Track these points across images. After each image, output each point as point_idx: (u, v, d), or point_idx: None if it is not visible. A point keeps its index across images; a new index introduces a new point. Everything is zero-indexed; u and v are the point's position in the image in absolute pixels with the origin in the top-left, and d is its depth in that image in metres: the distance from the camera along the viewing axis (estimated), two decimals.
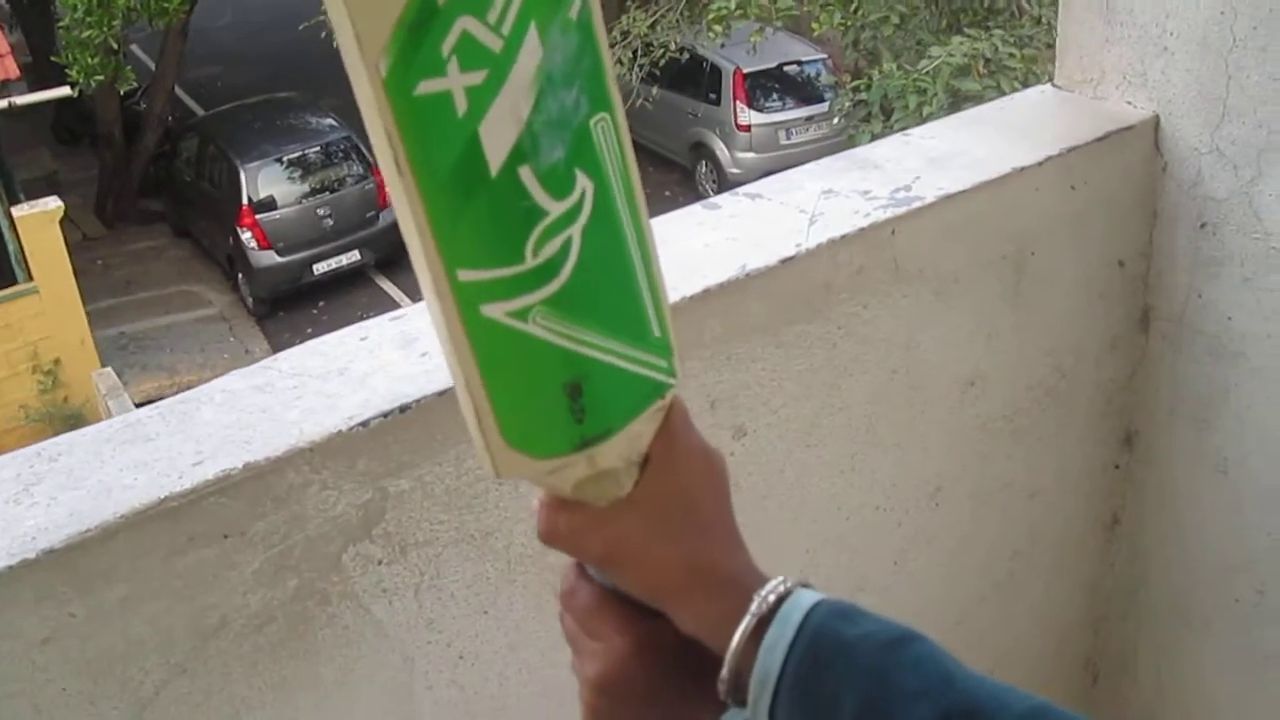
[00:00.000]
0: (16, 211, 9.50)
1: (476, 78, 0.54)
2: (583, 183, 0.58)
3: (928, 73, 5.62)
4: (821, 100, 11.25)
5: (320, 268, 11.50)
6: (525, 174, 0.56)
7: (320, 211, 11.51)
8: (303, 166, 11.66)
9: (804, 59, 11.80)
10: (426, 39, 0.52)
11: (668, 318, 0.65)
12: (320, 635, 1.10)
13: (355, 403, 1.09)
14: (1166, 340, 1.65)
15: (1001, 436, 1.61)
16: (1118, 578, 1.85)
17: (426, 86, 0.53)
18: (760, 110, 11.55)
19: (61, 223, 9.61)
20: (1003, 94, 6.08)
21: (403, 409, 1.08)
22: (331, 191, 11.65)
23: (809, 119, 11.53)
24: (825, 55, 11.62)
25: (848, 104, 7.25)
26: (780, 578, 0.63)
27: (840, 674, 0.58)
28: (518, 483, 1.15)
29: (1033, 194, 1.47)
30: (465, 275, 0.56)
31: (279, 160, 11.55)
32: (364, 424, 1.06)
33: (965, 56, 5.68)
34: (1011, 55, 5.87)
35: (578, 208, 0.58)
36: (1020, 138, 1.52)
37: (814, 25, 7.46)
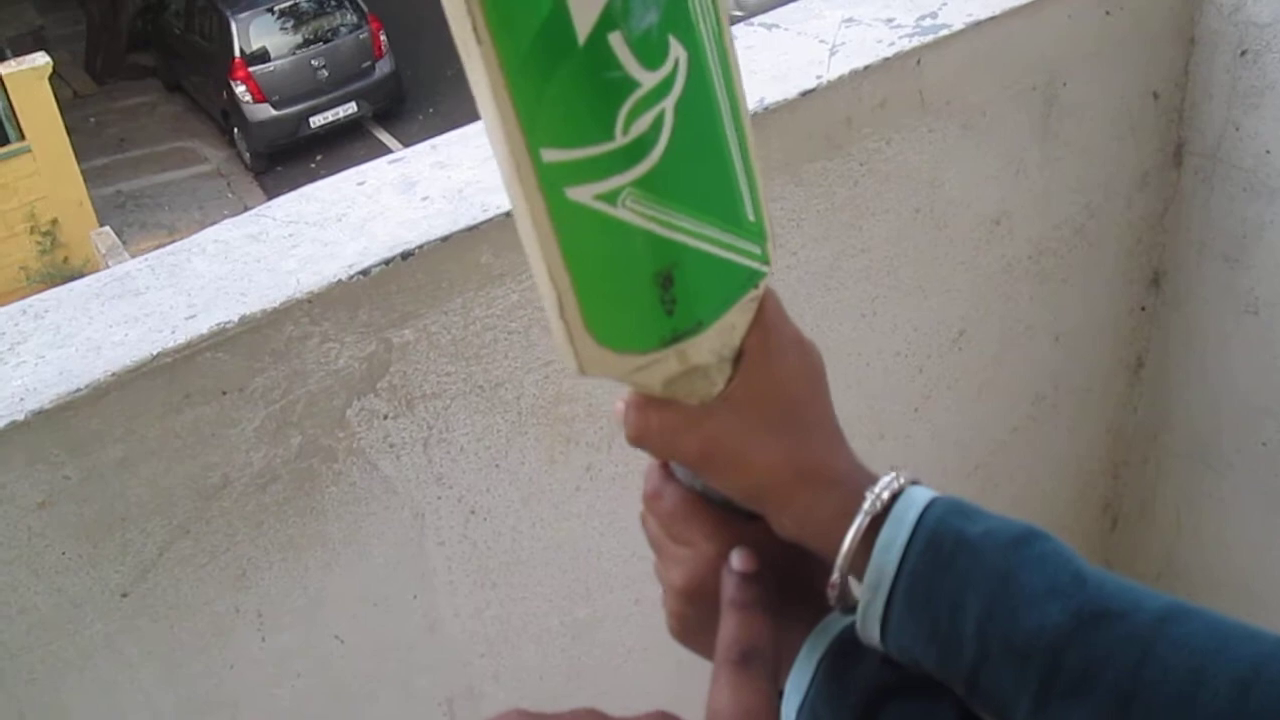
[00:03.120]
0: (4, 69, 9.28)
1: None
2: (676, 51, 0.51)
3: None
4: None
5: (317, 120, 11.29)
6: (615, 41, 0.49)
7: (315, 63, 11.25)
8: (295, 16, 11.35)
9: None
10: None
11: (763, 201, 0.59)
12: (327, 493, 1.07)
13: (354, 250, 1.03)
14: (1199, 176, 1.57)
15: (1027, 278, 1.55)
16: (1140, 421, 1.82)
17: None
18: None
19: (50, 79, 9.39)
20: None
21: (405, 255, 1.02)
22: (325, 42, 11.37)
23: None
24: None
25: None
26: (892, 474, 0.58)
27: (962, 573, 0.54)
28: (528, 329, 1.11)
29: (1065, 20, 1.38)
30: (550, 155, 0.50)
31: (270, 10, 11.24)
32: (364, 272, 1.01)
33: None
34: None
35: (671, 79, 0.52)
36: None
37: None
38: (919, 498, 0.57)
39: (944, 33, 1.29)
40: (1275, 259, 1.53)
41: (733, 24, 0.58)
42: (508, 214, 1.04)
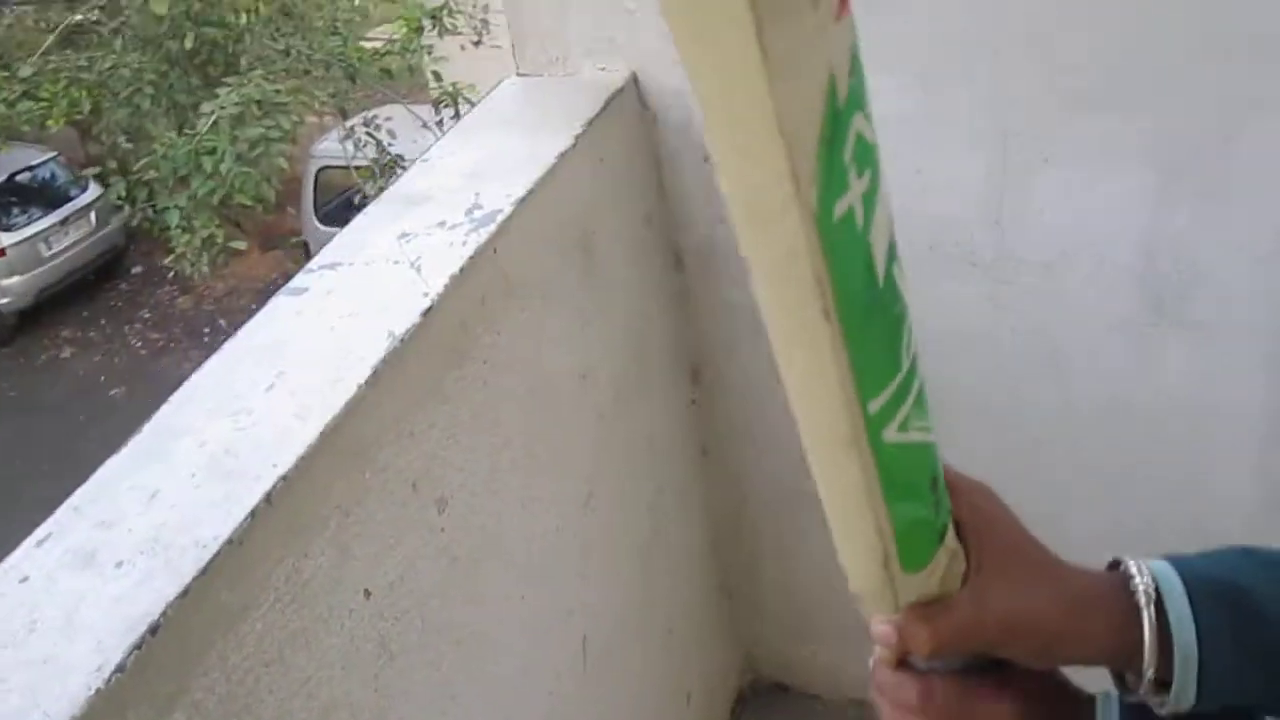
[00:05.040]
0: None
1: (865, 182, 0.46)
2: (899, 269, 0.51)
3: (209, 131, 5.42)
4: (68, 200, 10.44)
5: None
6: (896, 273, 0.49)
7: None
8: None
9: (34, 163, 10.82)
10: (835, 149, 0.43)
11: None
12: None
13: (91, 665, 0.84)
14: (703, 274, 1.75)
15: (617, 419, 1.62)
16: (723, 499, 1.96)
17: (840, 206, 0.44)
18: (9, 229, 10.45)
19: None
20: (284, 131, 6.05)
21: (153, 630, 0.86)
22: None
23: (63, 222, 10.62)
24: (55, 153, 10.75)
25: (119, 192, 6.79)
26: (1125, 561, 0.63)
27: (1237, 600, 0.60)
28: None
29: (577, 176, 1.48)
30: (874, 405, 0.49)
31: None
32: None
33: (237, 105, 5.55)
34: (278, 92, 5.85)
35: (906, 302, 0.52)
36: (536, 128, 1.52)
37: (50, 122, 6.84)
38: (1164, 569, 0.62)
39: (500, 217, 1.33)
40: None
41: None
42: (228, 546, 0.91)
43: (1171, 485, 1.69)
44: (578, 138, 1.47)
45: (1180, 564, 0.63)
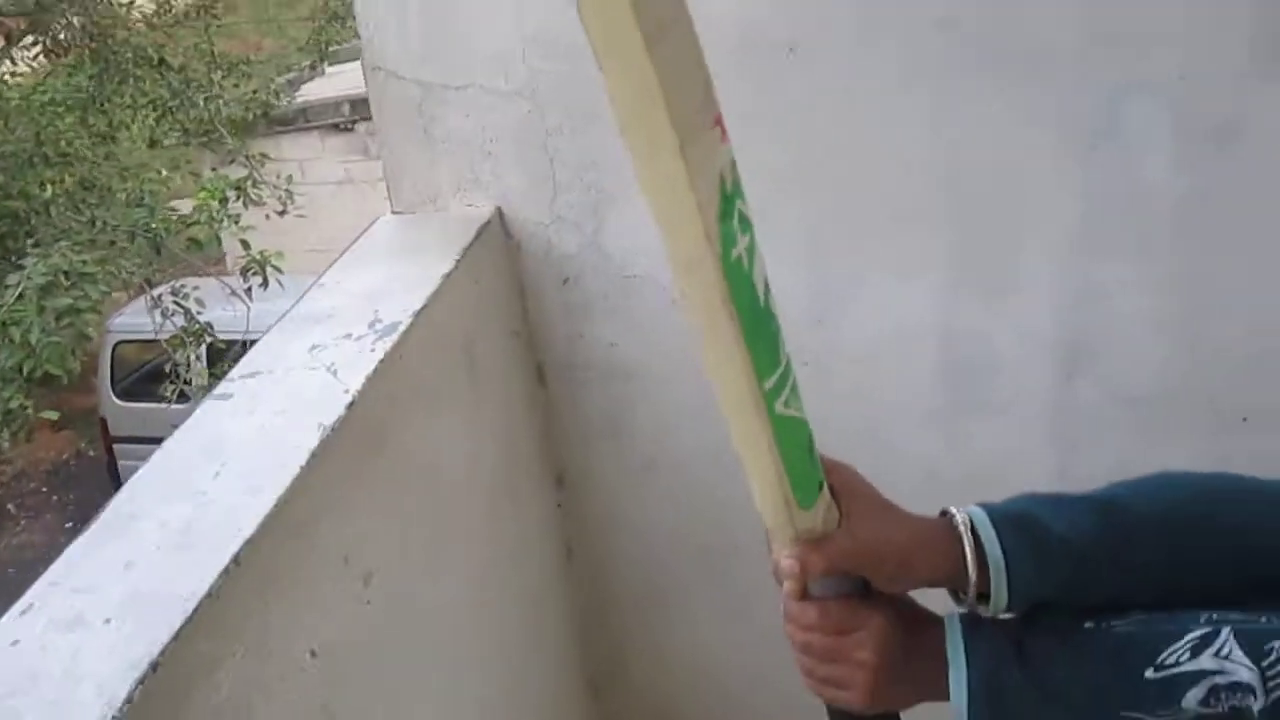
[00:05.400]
0: None
1: (747, 240, 0.72)
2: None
3: (16, 302, 5.38)
4: None
5: None
6: (770, 302, 0.75)
7: None
8: None
9: None
10: (727, 219, 0.70)
11: None
12: None
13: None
14: (565, 383, 1.95)
15: (495, 519, 1.79)
16: (588, 598, 2.12)
17: (734, 253, 0.71)
18: None
19: None
20: (92, 300, 6.02)
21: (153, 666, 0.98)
22: None
23: None
24: None
25: None
26: (949, 509, 0.86)
27: (1029, 524, 0.84)
28: None
29: (458, 294, 1.67)
30: (767, 383, 0.75)
31: None
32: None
33: (44, 275, 5.54)
34: (84, 263, 5.85)
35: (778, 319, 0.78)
36: (418, 254, 1.71)
37: None
38: (975, 510, 0.85)
39: (402, 328, 1.50)
40: (651, 424, 1.95)
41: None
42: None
43: None
44: (458, 261, 1.67)
45: (987, 506, 0.87)
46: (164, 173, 7.32)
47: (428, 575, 1.54)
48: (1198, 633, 0.77)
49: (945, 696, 0.85)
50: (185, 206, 7.44)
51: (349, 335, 1.50)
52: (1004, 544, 0.84)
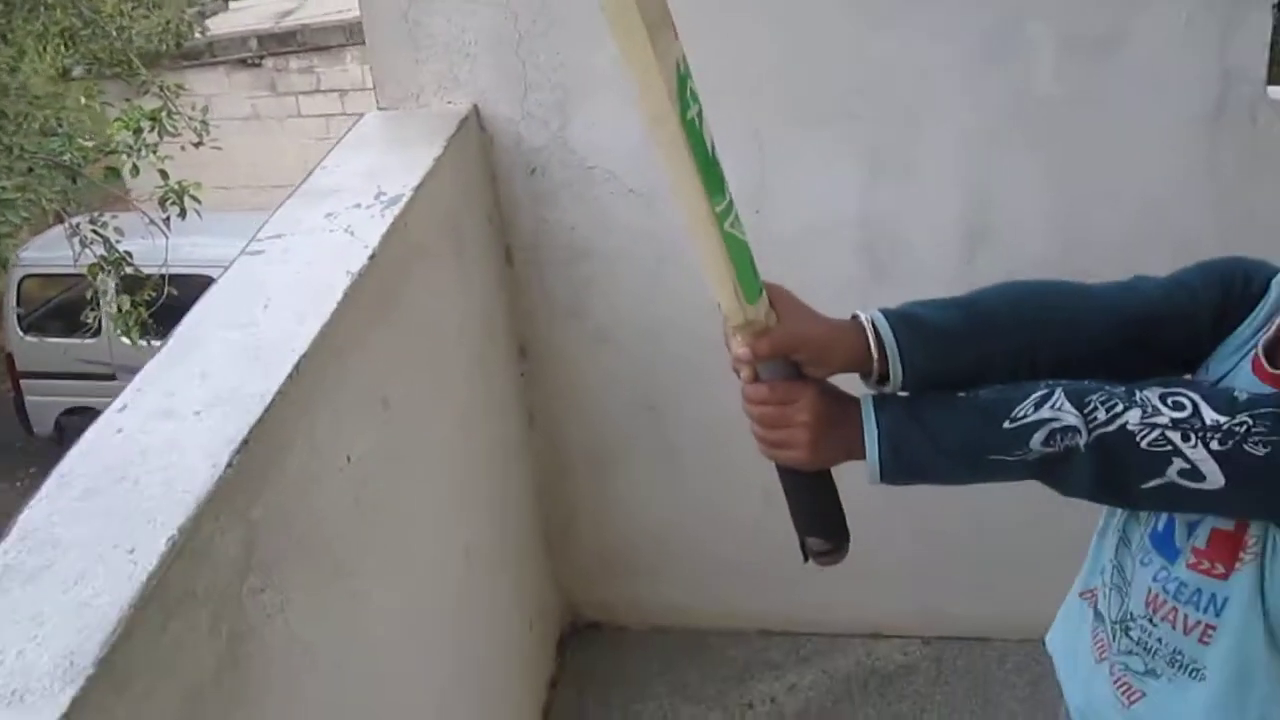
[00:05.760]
0: None
1: (696, 107, 0.99)
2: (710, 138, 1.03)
3: None
4: None
5: None
6: (716, 154, 1.01)
7: None
8: None
9: None
10: (683, 92, 0.97)
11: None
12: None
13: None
14: (530, 264, 2.19)
15: (474, 379, 2.03)
16: (547, 461, 2.38)
17: (689, 114, 0.97)
18: None
19: None
20: (14, 225, 6.06)
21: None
22: None
23: None
24: None
25: None
26: (857, 313, 1.11)
27: (914, 320, 1.11)
28: None
29: (446, 177, 1.90)
30: (717, 206, 1.01)
31: None
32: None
33: None
34: (3, 189, 5.88)
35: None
36: (409, 143, 1.93)
37: None
38: (874, 311, 1.10)
39: (404, 200, 1.73)
40: (606, 301, 2.20)
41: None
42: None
43: None
44: (445, 148, 1.90)
45: (883, 309, 1.13)
46: (84, 100, 7.29)
47: (428, 413, 1.78)
48: (1038, 394, 1.04)
49: (863, 455, 1.11)
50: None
51: (359, 205, 1.72)
52: (897, 335, 1.10)
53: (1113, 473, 1.01)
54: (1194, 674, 1.13)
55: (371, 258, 1.57)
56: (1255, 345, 1.08)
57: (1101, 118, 1.95)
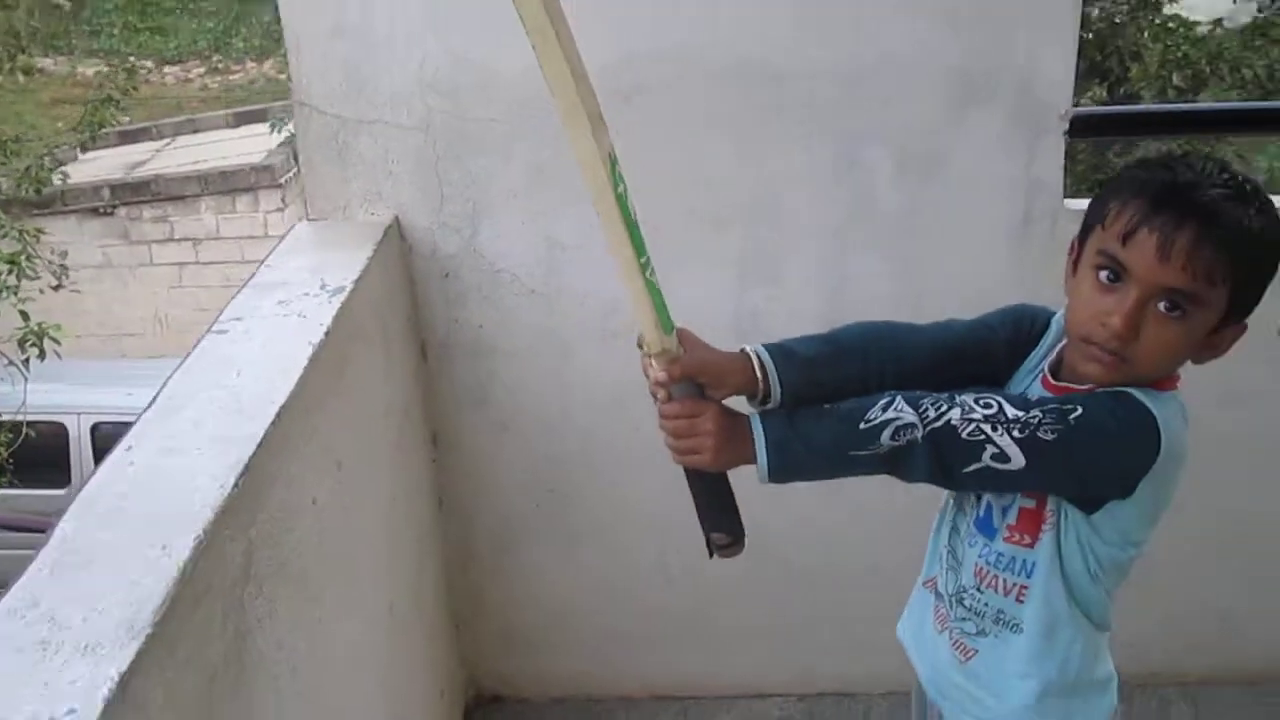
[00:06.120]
0: None
1: (624, 186, 1.29)
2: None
3: None
4: None
5: None
6: (636, 219, 1.32)
7: None
8: None
9: None
10: (614, 173, 1.27)
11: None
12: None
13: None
14: (443, 359, 2.45)
15: (395, 464, 2.26)
16: (453, 544, 2.60)
17: (619, 189, 1.28)
18: None
19: None
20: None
21: None
22: None
23: None
24: None
25: None
26: (746, 347, 1.40)
27: (788, 351, 1.39)
28: None
29: (374, 278, 2.15)
30: (641, 259, 1.32)
31: None
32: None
33: None
34: None
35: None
36: (339, 247, 2.19)
37: None
38: (760, 348, 1.39)
39: (346, 291, 1.98)
40: (508, 391, 2.47)
41: None
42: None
43: None
44: (373, 251, 2.17)
45: (765, 344, 1.41)
46: None
47: (366, 480, 2.01)
48: (884, 400, 1.34)
49: (754, 459, 1.38)
50: None
51: (306, 294, 1.97)
52: (775, 363, 1.39)
53: (942, 459, 1.31)
54: (1014, 628, 1.43)
55: (326, 334, 1.82)
56: (1043, 367, 1.43)
57: (933, 223, 2.33)
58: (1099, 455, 1.31)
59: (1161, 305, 1.29)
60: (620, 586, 2.65)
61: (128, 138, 13.82)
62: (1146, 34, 8.16)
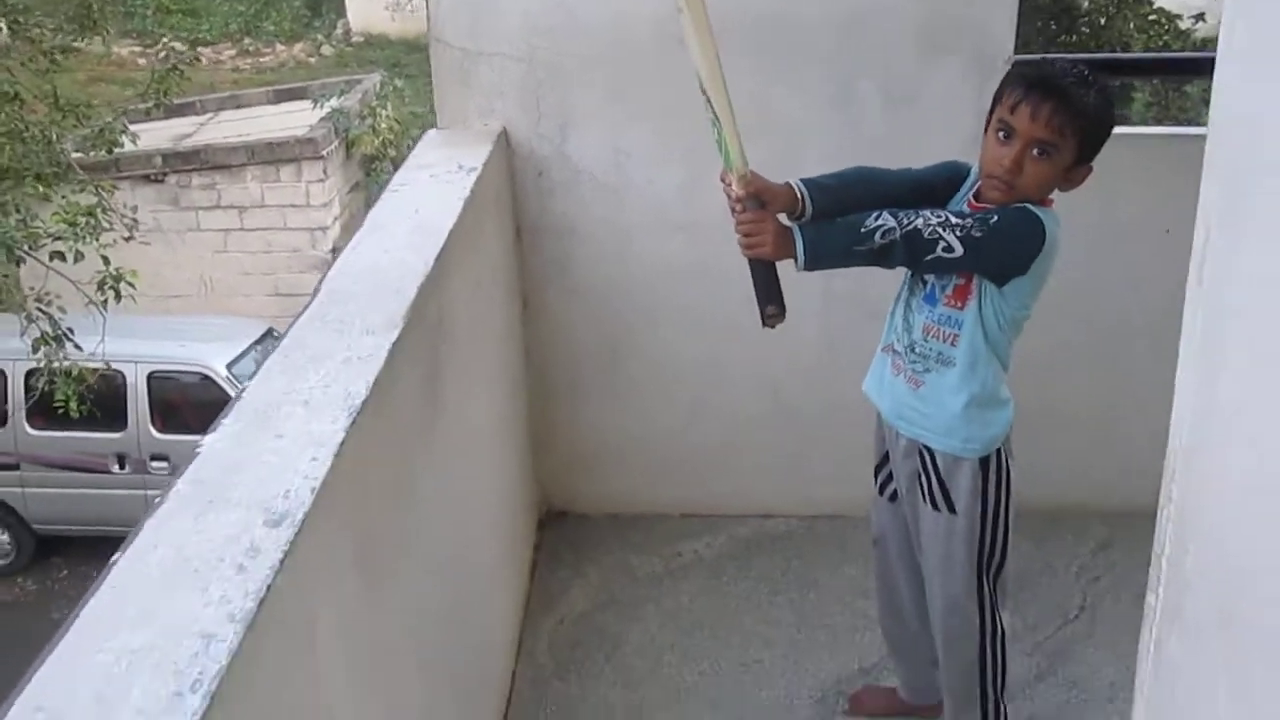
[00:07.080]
0: None
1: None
2: None
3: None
4: None
5: None
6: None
7: None
8: None
9: None
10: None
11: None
12: None
13: None
14: (533, 238, 3.22)
15: (500, 318, 3.03)
16: (535, 385, 3.37)
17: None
18: None
19: None
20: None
21: None
22: None
23: None
24: None
25: None
26: (787, 181, 2.15)
27: (818, 181, 2.16)
28: None
29: (491, 171, 2.92)
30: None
31: None
32: None
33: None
34: None
35: None
36: (467, 145, 2.95)
37: None
38: (799, 182, 2.15)
39: (476, 172, 2.74)
40: (582, 266, 3.23)
41: None
42: None
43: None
44: (490, 150, 2.93)
45: (802, 178, 2.18)
46: (40, 189, 8.07)
47: (487, 303, 2.77)
48: (875, 214, 2.09)
49: (794, 252, 2.13)
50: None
51: (450, 170, 2.74)
52: (810, 191, 2.14)
53: (912, 251, 2.06)
54: (949, 364, 2.19)
55: (470, 191, 2.59)
56: (969, 196, 2.19)
57: (911, 150, 3.04)
58: (1009, 244, 2.08)
59: (1035, 151, 2.05)
60: (663, 425, 3.41)
61: (174, 111, 14.55)
62: (1133, 25, 8.91)
